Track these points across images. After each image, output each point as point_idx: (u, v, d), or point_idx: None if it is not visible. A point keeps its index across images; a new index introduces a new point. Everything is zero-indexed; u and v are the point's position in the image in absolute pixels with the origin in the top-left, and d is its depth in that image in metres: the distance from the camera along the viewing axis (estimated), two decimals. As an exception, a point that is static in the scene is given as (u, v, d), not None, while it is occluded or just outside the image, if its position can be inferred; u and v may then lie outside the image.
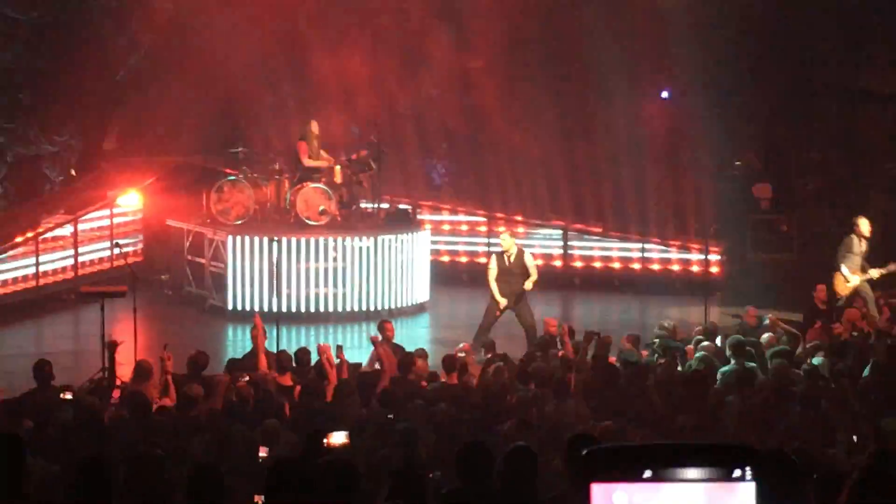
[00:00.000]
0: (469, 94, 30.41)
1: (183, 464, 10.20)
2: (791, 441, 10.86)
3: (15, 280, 25.52)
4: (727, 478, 3.32)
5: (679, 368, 16.01)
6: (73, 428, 12.73)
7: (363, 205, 26.80)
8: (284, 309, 23.93)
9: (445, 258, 28.79)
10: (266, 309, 23.98)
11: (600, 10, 29.29)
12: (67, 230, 26.72)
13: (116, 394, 15.10)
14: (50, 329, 24.36)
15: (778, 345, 16.94)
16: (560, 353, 17.07)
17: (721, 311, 24.49)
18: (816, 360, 15.87)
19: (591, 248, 29.24)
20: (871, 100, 30.83)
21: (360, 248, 25.19)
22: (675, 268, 28.83)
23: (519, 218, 29.38)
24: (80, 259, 26.82)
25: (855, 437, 12.48)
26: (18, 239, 25.82)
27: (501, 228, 25.03)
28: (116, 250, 26.47)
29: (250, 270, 24.91)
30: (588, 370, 15.52)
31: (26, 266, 25.79)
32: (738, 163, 30.40)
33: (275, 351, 17.54)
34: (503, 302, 21.14)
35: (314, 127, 26.18)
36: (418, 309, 25.60)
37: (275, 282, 24.25)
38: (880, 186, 30.07)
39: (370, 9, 30.25)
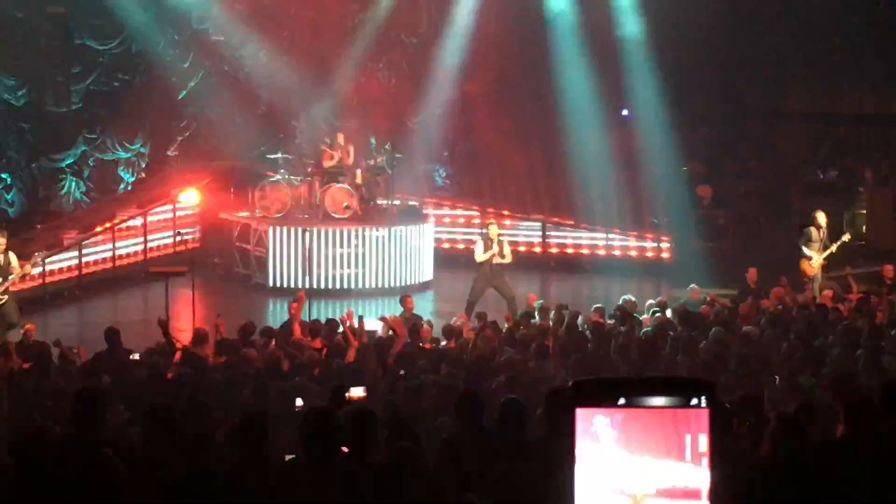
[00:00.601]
0: (466, 112, 30.37)
1: (232, 412, 10.17)
2: (728, 395, 10.82)
3: (96, 262, 25.50)
4: (686, 405, 3.36)
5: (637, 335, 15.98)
6: (143, 382, 12.71)
7: (379, 201, 26.77)
8: (315, 286, 24.02)
9: (446, 245, 28.72)
10: (300, 286, 24.00)
11: (573, 45, 29.29)
12: (138, 221, 26.68)
13: (178, 356, 15.03)
14: (124, 302, 24.33)
15: (714, 316, 16.90)
16: (539, 323, 17.07)
17: (670, 288, 24.44)
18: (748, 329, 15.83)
19: (564, 238, 29.22)
20: (790, 118, 30.86)
21: (377, 237, 25.15)
22: (633, 253, 28.79)
23: (506, 212, 29.34)
24: (149, 245, 26.78)
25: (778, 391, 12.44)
26: (98, 228, 25.80)
27: (491, 221, 24.95)
28: (178, 238, 26.52)
29: (287, 254, 24.89)
30: (561, 336, 15.49)
31: (105, 251, 25.77)
32: (684, 168, 30.37)
33: (308, 320, 17.52)
34: (485, 257, 21.25)
35: (340, 138, 26.25)
36: (424, 286, 25.57)
37: (307, 264, 24.30)
38: (797, 188, 30.12)
39: (385, 42, 30.18)
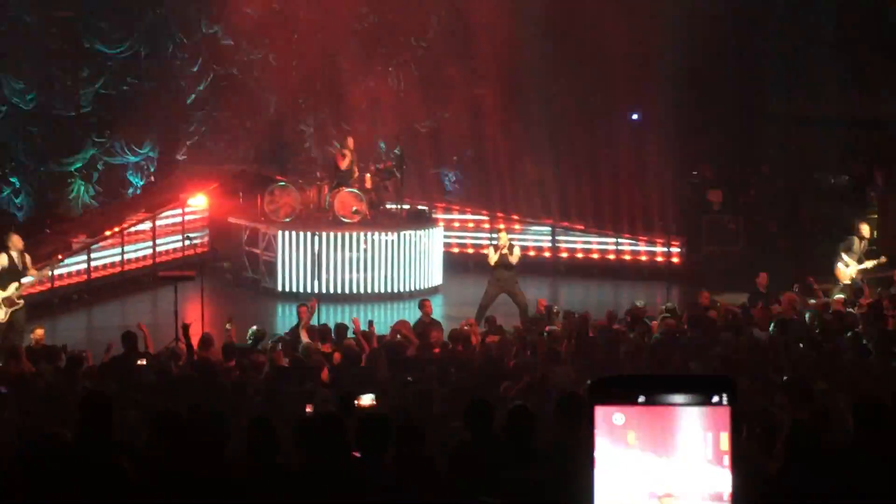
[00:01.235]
0: (475, 116, 30.35)
1: (241, 416, 10.16)
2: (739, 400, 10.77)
3: (104, 266, 25.51)
4: (707, 403, 3.33)
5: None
6: (152, 386, 12.71)
7: (388, 206, 26.78)
8: (324, 291, 24.07)
9: (455, 249, 28.71)
10: (309, 290, 24.09)
11: (583, 50, 29.29)
12: (147, 225, 26.70)
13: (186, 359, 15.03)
14: (132, 306, 24.32)
15: (722, 321, 16.90)
16: (547, 328, 17.04)
17: (680, 293, 24.41)
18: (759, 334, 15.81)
19: (574, 242, 29.19)
20: (802, 123, 30.80)
21: (386, 241, 25.14)
22: (643, 258, 28.76)
23: (516, 217, 29.34)
24: (158, 249, 26.79)
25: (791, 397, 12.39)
26: (107, 232, 25.82)
27: (501, 226, 24.99)
28: (187, 242, 26.51)
29: (296, 259, 24.89)
30: (571, 341, 15.47)
31: (114, 255, 25.78)
32: (694, 173, 30.34)
33: (317, 325, 17.51)
34: (496, 258, 21.22)
35: (350, 143, 26.25)
36: (433, 291, 25.54)
37: (316, 268, 24.30)
38: (809, 194, 30.07)
39: (394, 46, 30.19)
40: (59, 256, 21.22)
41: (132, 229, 26.37)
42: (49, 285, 23.41)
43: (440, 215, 28.79)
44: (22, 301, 18.85)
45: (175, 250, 27.16)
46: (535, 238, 29.02)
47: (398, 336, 16.34)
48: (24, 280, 18.95)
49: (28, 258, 19.10)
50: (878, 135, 30.21)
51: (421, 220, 26.69)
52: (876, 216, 28.57)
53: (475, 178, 31.27)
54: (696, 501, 3.29)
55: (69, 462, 7.36)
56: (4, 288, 18.60)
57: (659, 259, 28.48)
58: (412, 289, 25.04)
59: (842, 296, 20.04)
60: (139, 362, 14.56)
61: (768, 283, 20.75)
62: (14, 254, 18.79)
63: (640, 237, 28.85)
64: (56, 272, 23.52)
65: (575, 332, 15.97)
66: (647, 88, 29.28)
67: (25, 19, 26.25)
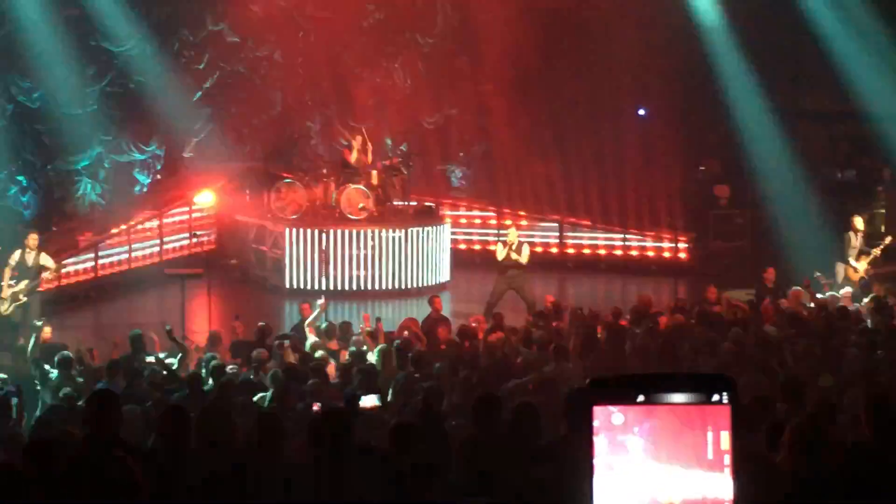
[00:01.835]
0: (482, 112, 30.33)
1: (250, 413, 10.17)
2: (746, 394, 10.77)
3: (112, 264, 25.54)
4: (707, 402, 3.31)
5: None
6: (159, 384, 12.74)
7: (395, 202, 26.78)
8: (332, 288, 24.03)
9: (462, 246, 28.71)
10: (316, 288, 24.08)
11: (590, 46, 29.26)
12: (154, 223, 26.73)
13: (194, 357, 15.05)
14: (139, 304, 24.33)
15: (729, 316, 16.90)
16: (555, 324, 17.03)
17: (688, 288, 24.40)
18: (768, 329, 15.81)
19: (581, 238, 29.19)
20: (809, 118, 30.76)
21: (393, 238, 25.15)
22: (651, 254, 28.75)
23: (522, 213, 29.32)
24: (165, 247, 26.81)
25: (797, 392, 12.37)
26: (114, 230, 25.84)
27: (508, 222, 25.01)
28: (194, 240, 26.54)
29: (304, 256, 24.91)
30: (577, 338, 15.47)
31: (121, 252, 25.82)
32: (702, 168, 30.32)
33: (324, 322, 17.52)
34: (504, 253, 21.26)
35: (357, 139, 26.21)
36: (440, 287, 25.52)
37: (323, 265, 24.30)
38: (817, 189, 30.00)
39: (400, 43, 30.17)
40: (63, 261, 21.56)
41: (139, 227, 26.39)
42: (56, 283, 23.44)
43: (447, 212, 28.79)
44: (26, 298, 19.20)
45: (182, 248, 27.17)
46: (543, 234, 29.01)
47: (405, 333, 16.36)
48: (42, 275, 19.59)
49: (44, 256, 19.73)
50: (885, 129, 30.12)
51: (428, 217, 26.68)
52: (884, 211, 28.57)
53: (482, 175, 31.22)
54: None
55: (73, 460, 7.37)
56: (17, 283, 19.12)
57: (666, 254, 28.45)
58: (419, 285, 25.05)
59: (849, 289, 20.03)
60: (147, 360, 14.59)
61: (776, 278, 20.73)
62: (30, 253, 19.11)
63: (648, 233, 28.84)
64: (63, 270, 23.55)
65: (582, 328, 15.97)
66: (653, 84, 29.23)
67: (31, 17, 26.23)
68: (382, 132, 29.47)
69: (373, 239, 25.01)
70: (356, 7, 29.27)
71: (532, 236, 27.83)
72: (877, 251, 21.68)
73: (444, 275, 26.05)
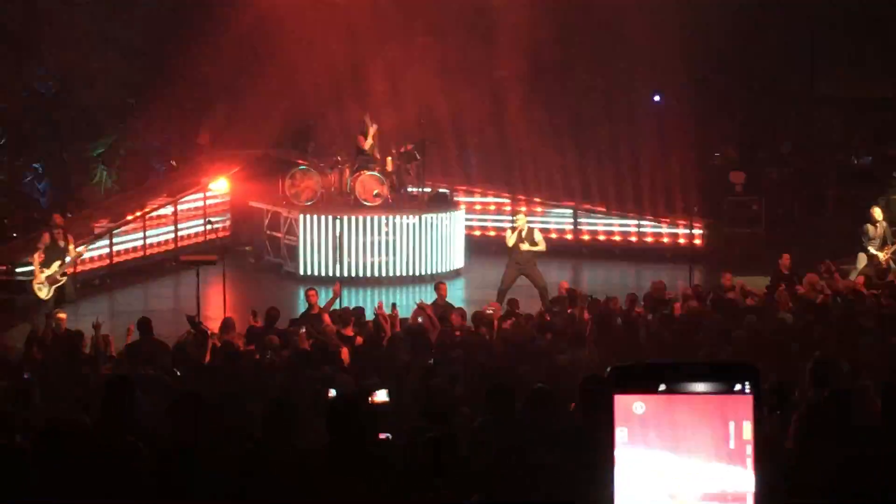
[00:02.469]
0: (496, 98, 30.26)
1: (263, 399, 10.13)
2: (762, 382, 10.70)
3: (126, 251, 25.54)
4: (730, 391, 3.24)
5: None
6: (172, 370, 12.72)
7: (410, 189, 26.74)
8: (346, 274, 24.08)
9: (477, 232, 28.69)
10: (331, 274, 24.10)
11: (605, 32, 29.20)
12: (169, 210, 26.72)
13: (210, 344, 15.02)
14: (154, 290, 24.36)
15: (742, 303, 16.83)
16: (570, 310, 16.97)
17: (703, 275, 24.31)
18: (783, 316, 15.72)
19: (596, 224, 29.14)
20: (825, 104, 30.65)
21: (408, 225, 25.11)
22: (666, 240, 28.68)
23: (537, 199, 29.27)
24: (180, 234, 26.81)
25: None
26: (129, 217, 25.84)
27: (523, 208, 24.98)
28: (209, 226, 26.55)
29: (318, 242, 24.88)
30: (593, 324, 15.40)
31: (135, 239, 25.81)
32: (717, 154, 30.23)
33: (338, 308, 17.49)
34: (514, 240, 21.21)
35: (372, 128, 26.16)
36: (455, 274, 25.52)
37: (338, 252, 24.28)
38: (833, 175, 29.94)
39: (415, 29, 30.11)
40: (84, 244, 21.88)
41: (154, 214, 26.39)
42: (72, 270, 23.44)
43: (461, 198, 28.76)
44: (65, 277, 20.09)
45: (197, 234, 27.18)
46: (557, 220, 28.97)
47: (419, 319, 16.31)
48: (67, 259, 20.16)
49: (70, 236, 20.41)
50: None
51: (442, 203, 26.64)
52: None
53: (497, 161, 31.18)
54: (719, 501, 3.21)
55: (85, 446, 7.35)
56: (48, 266, 19.74)
57: (681, 241, 28.35)
58: (434, 272, 25.00)
59: (862, 276, 19.93)
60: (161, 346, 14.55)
61: (791, 264, 20.65)
62: (56, 232, 20.02)
63: (663, 219, 28.77)
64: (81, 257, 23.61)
65: (597, 315, 15.90)
66: (668, 70, 29.13)
67: (46, 5, 26.25)
68: (398, 119, 29.41)
69: (387, 225, 24.98)
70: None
71: (547, 222, 27.79)
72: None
73: (459, 261, 26.02)
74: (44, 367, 13.29)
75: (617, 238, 28.94)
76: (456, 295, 22.27)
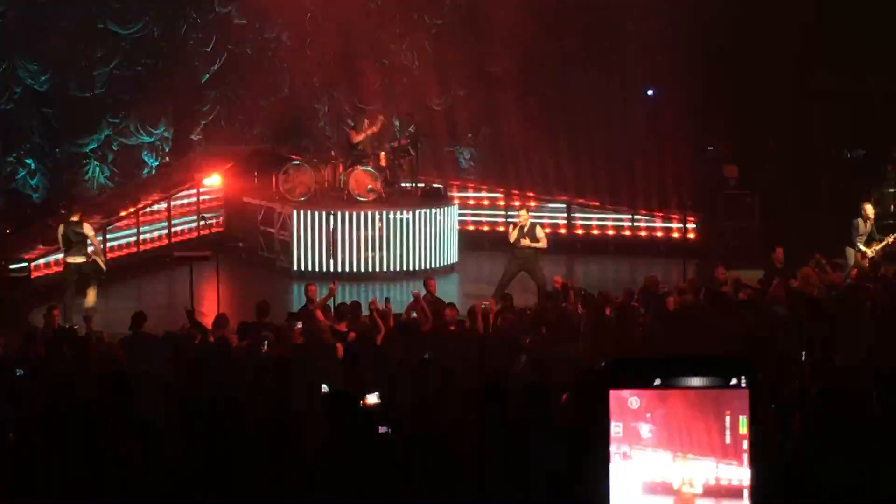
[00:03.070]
0: (490, 93, 30.24)
1: (258, 395, 10.15)
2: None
3: (120, 247, 25.50)
4: (726, 385, 3.24)
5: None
6: (168, 363, 12.75)
7: (403, 184, 26.74)
8: (339, 270, 24.07)
9: (471, 227, 28.68)
10: (324, 270, 24.10)
11: (598, 26, 29.20)
12: (162, 206, 26.68)
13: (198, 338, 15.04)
14: (148, 286, 24.34)
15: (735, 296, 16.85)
16: (563, 304, 16.98)
17: (696, 269, 24.32)
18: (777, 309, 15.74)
19: (590, 219, 29.15)
20: (819, 98, 30.63)
21: (401, 220, 25.09)
22: (659, 234, 28.70)
23: (531, 194, 29.25)
24: (173, 230, 26.78)
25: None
26: (123, 213, 25.80)
27: (517, 203, 24.97)
28: (202, 222, 26.51)
29: (311, 238, 24.85)
30: (586, 318, 15.42)
31: (129, 235, 25.77)
32: (710, 148, 30.21)
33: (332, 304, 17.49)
34: (514, 236, 21.23)
35: (364, 123, 26.17)
36: (449, 269, 25.52)
37: (331, 247, 24.27)
38: (826, 170, 29.93)
39: (408, 24, 30.10)
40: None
41: (147, 210, 26.35)
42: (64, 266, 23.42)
43: (455, 193, 28.75)
44: (96, 257, 20.81)
45: (190, 230, 27.15)
46: (551, 215, 28.95)
47: (413, 314, 16.32)
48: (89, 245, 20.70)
49: (87, 226, 20.88)
50: (893, 108, 30.01)
51: (436, 199, 26.63)
52: (893, 191, 28.47)
53: (490, 156, 31.16)
54: (719, 501, 3.22)
55: (86, 434, 7.38)
56: (79, 253, 20.49)
57: (675, 235, 28.37)
58: (428, 267, 24.98)
59: (856, 270, 19.95)
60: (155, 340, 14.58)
61: (784, 258, 20.66)
62: (77, 223, 20.58)
63: (656, 213, 28.78)
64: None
65: (591, 309, 15.92)
66: (662, 64, 29.12)
67: (39, 0, 26.22)
68: (391, 114, 29.40)
69: (381, 221, 24.96)
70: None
71: (540, 217, 27.76)
72: (889, 239, 21.62)
73: (453, 256, 26.00)
74: (43, 362, 13.31)
75: (611, 232, 28.96)
76: (450, 290, 22.27)
